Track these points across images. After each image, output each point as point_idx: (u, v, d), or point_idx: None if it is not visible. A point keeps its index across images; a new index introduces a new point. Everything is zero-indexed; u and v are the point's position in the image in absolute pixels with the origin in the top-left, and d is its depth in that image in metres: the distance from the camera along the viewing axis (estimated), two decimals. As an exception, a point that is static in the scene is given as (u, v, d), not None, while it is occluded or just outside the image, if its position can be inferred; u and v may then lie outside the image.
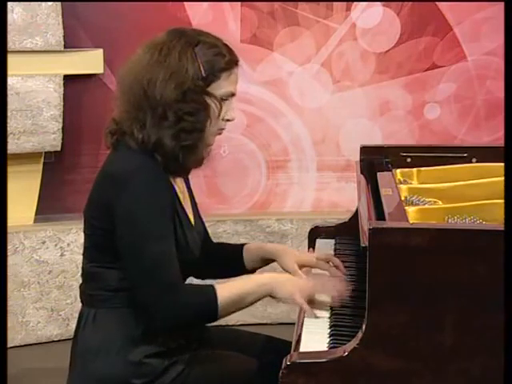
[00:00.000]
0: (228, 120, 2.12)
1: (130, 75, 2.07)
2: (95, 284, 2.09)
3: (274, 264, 2.31)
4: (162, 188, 2.03)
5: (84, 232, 2.13)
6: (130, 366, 2.03)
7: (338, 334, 1.92)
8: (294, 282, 2.08)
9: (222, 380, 2.09)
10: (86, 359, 2.07)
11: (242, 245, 2.35)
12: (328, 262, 2.32)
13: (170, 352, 2.06)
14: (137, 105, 2.04)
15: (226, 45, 2.11)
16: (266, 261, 2.33)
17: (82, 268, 2.14)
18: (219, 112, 2.08)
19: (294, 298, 2.02)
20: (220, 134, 2.14)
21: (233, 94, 2.11)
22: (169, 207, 2.05)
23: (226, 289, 2.01)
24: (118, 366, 2.03)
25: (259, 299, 2.05)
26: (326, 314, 2.04)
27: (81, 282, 2.17)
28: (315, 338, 1.92)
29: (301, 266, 2.27)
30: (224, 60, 2.07)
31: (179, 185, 2.17)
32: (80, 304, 2.18)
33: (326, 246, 2.62)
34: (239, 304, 2.02)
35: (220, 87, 2.07)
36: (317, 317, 2.03)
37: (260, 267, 2.34)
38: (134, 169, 2.02)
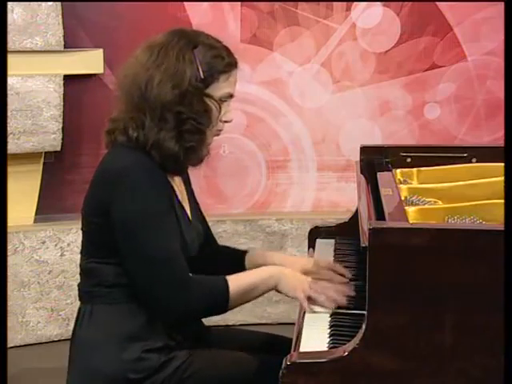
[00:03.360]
0: (226, 121, 2.14)
1: (129, 76, 2.09)
2: (92, 280, 2.10)
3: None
4: (158, 183, 2.04)
5: (81, 229, 2.14)
6: (127, 361, 2.03)
7: (338, 334, 1.92)
8: (299, 278, 2.11)
9: (220, 378, 2.09)
10: (84, 355, 2.08)
11: (244, 252, 2.34)
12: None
13: (167, 348, 2.07)
14: (135, 106, 2.06)
15: (225, 47, 2.12)
16: None
17: (80, 265, 2.15)
18: (218, 113, 2.10)
19: (297, 294, 2.06)
20: (218, 135, 2.16)
21: (231, 96, 2.12)
22: (167, 202, 2.06)
23: (236, 281, 2.05)
24: (115, 362, 2.03)
25: (267, 291, 2.09)
26: (326, 314, 2.04)
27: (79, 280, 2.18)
28: (315, 337, 1.92)
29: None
30: (223, 62, 2.08)
31: (177, 183, 2.18)
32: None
33: (325, 245, 2.62)
34: (248, 296, 2.07)
35: (218, 89, 2.09)
36: (315, 312, 2.03)
37: None
38: (129, 165, 2.03)
